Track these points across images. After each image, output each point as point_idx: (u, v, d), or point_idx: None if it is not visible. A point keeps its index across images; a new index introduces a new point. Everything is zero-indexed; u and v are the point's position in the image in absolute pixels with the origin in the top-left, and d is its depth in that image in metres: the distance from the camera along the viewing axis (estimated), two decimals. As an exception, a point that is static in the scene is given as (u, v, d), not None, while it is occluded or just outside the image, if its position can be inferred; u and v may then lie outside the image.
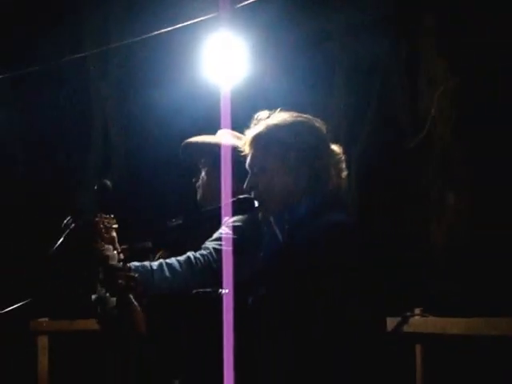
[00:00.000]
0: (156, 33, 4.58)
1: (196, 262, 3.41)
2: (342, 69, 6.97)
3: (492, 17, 6.42)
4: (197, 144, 3.77)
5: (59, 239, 3.25)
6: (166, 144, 6.94)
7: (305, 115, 3.01)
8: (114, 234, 3.05)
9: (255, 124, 3.00)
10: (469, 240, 6.38)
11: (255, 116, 3.02)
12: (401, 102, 7.10)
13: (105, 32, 7.65)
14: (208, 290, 3.06)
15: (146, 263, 3.44)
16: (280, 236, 2.90)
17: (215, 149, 3.64)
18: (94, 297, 2.81)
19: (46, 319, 5.18)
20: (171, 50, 5.95)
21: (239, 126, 3.29)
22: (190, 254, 3.50)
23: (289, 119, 2.97)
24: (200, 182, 3.79)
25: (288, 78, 5.98)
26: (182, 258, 3.51)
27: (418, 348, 4.00)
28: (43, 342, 5.15)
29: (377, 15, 7.01)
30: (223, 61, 3.98)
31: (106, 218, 3.06)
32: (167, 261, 3.47)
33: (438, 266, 6.41)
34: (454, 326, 3.95)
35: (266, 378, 2.79)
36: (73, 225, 3.45)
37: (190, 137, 3.83)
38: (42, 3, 7.93)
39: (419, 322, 3.99)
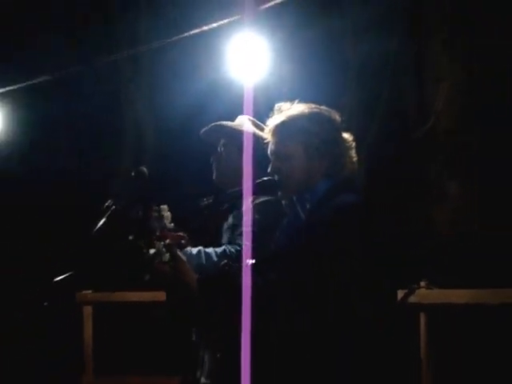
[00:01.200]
0: (185, 35, 4.59)
1: (230, 254, 3.44)
2: (355, 66, 7.05)
3: (499, 17, 6.49)
4: (216, 126, 3.74)
5: (101, 220, 3.40)
6: (192, 136, 7.01)
7: (321, 106, 3.01)
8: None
9: (277, 113, 3.01)
10: (470, 224, 6.48)
11: (276, 106, 3.03)
12: (409, 97, 7.19)
13: (136, 35, 7.73)
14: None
15: (188, 248, 3.48)
16: (302, 214, 2.94)
17: (234, 132, 3.67)
18: (152, 251, 2.82)
19: (90, 291, 5.27)
20: (197, 51, 5.94)
21: (259, 118, 3.39)
22: (226, 247, 3.53)
23: (307, 110, 2.98)
24: (216, 162, 3.76)
25: (304, 74, 6.05)
26: (219, 249, 3.53)
27: (422, 316, 3.98)
28: (88, 311, 5.26)
29: (387, 15, 6.96)
30: (246, 60, 3.94)
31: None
32: (206, 249, 3.51)
33: (441, 245, 6.41)
34: (456, 296, 3.96)
35: (281, 353, 2.77)
36: (113, 207, 3.65)
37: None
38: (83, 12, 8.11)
39: (424, 293, 3.96)
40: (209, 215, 3.81)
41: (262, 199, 3.51)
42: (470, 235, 6.37)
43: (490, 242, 6.13)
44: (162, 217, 2.87)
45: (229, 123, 3.76)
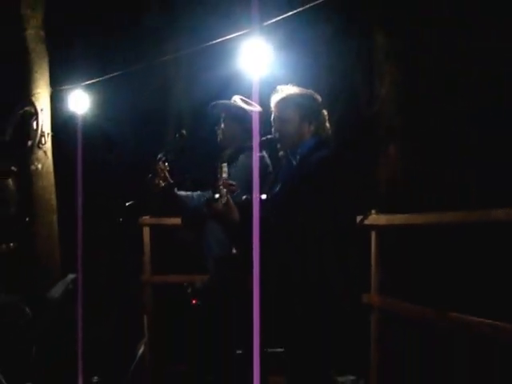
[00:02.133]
0: (211, 43, 4.64)
1: None
2: (326, 67, 6.99)
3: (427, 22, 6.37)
4: (217, 103, 3.71)
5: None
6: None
7: (309, 89, 3.09)
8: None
9: (278, 92, 3.06)
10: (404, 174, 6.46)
11: (278, 87, 3.07)
12: (361, 89, 7.14)
13: (178, 42, 7.59)
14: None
15: (189, 193, 3.66)
16: (294, 162, 2.98)
17: (229, 106, 3.66)
18: (217, 195, 2.81)
19: (148, 217, 5.23)
20: (220, 54, 5.88)
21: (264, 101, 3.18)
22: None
23: (299, 90, 3.06)
24: (220, 129, 3.74)
25: (294, 69, 5.94)
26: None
27: (373, 234, 3.96)
28: (146, 230, 5.22)
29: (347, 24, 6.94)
30: (253, 59, 3.90)
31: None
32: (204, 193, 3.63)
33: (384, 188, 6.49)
34: (396, 219, 3.94)
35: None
36: (163, 158, 3.63)
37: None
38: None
39: (375, 217, 3.94)
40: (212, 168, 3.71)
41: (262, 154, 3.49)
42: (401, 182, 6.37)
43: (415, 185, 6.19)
44: (223, 171, 2.85)
45: (226, 101, 3.73)
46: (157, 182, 3.54)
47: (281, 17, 4.36)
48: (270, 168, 3.59)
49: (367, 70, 6.95)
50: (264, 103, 3.16)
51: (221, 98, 3.84)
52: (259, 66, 3.86)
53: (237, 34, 4.20)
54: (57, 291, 4.25)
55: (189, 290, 5.25)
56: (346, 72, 7.18)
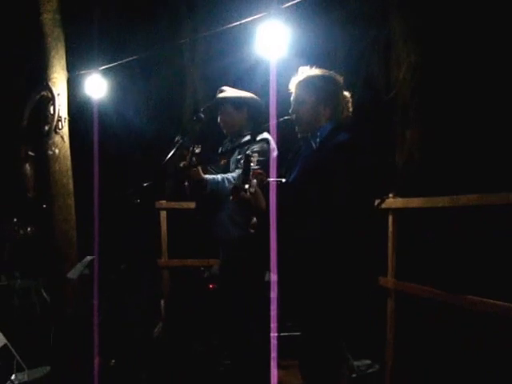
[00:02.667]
0: (228, 26, 4.49)
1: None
2: (343, 51, 6.95)
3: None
4: (216, 98, 3.88)
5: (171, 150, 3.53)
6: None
7: (330, 71, 3.06)
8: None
9: (300, 74, 3.05)
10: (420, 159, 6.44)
11: (300, 69, 3.06)
12: (379, 74, 7.06)
13: (194, 27, 7.61)
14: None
15: (215, 176, 3.73)
16: (314, 145, 2.95)
17: (226, 99, 3.84)
18: (247, 186, 2.84)
19: (165, 201, 5.26)
20: (237, 38, 5.83)
21: (281, 84, 3.18)
22: (236, 173, 3.71)
23: (320, 72, 3.03)
24: (220, 122, 3.93)
25: (311, 53, 5.88)
26: (231, 174, 3.74)
27: (390, 217, 3.99)
28: (163, 214, 5.23)
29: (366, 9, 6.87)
30: (271, 42, 3.84)
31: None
32: (226, 176, 3.72)
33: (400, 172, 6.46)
34: (412, 202, 3.96)
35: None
36: (180, 141, 3.65)
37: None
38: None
39: (392, 201, 3.98)
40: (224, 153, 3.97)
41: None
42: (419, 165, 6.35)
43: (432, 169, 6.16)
44: (251, 161, 2.86)
45: (222, 94, 3.90)
46: (182, 165, 3.58)
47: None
48: (276, 152, 3.63)
49: (384, 54, 6.89)
50: (281, 85, 3.18)
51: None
52: (277, 49, 3.91)
53: (255, 16, 4.07)
54: (75, 273, 4.28)
55: (206, 275, 5.28)
56: (362, 56, 7.11)
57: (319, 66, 3.14)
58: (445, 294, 3.40)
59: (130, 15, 7.70)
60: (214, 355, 4.73)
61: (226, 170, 3.88)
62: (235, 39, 5.87)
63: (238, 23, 4.48)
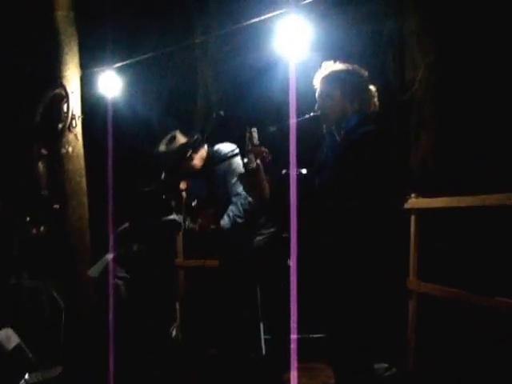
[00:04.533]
0: (247, 23, 4.44)
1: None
2: (358, 50, 6.89)
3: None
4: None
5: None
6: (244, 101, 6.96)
7: (354, 65, 3.03)
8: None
9: (324, 69, 3.03)
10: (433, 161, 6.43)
11: (323, 64, 3.03)
12: (394, 74, 7.06)
13: (206, 26, 7.60)
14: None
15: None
16: (338, 138, 2.92)
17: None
18: (245, 160, 2.78)
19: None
20: (251, 37, 5.82)
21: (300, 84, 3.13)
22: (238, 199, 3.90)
23: (344, 66, 3.00)
24: None
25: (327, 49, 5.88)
26: (232, 209, 3.92)
27: (412, 217, 3.95)
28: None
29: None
30: (291, 39, 3.78)
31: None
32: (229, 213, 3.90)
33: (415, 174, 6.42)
34: (435, 202, 3.94)
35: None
36: (200, 138, 3.65)
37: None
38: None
39: (414, 201, 3.94)
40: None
41: None
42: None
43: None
44: (252, 136, 2.77)
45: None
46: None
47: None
48: None
49: (399, 54, 6.90)
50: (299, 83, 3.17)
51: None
52: (296, 46, 3.87)
53: (269, 15, 4.09)
54: (95, 271, 4.27)
55: (220, 275, 5.25)
56: (376, 56, 7.10)
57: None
58: (470, 295, 3.36)
59: (143, 12, 7.68)
60: (228, 355, 4.71)
61: None
62: (251, 36, 5.83)
63: (255, 20, 4.46)
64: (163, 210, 3.92)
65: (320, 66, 3.05)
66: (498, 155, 6.19)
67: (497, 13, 6.16)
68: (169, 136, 4.15)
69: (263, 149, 2.83)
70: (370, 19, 6.84)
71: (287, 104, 2.97)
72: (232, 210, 3.92)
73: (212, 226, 3.92)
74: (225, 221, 3.91)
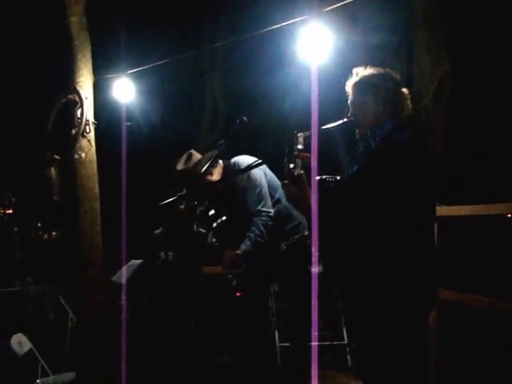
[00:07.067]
0: (266, 29, 4.37)
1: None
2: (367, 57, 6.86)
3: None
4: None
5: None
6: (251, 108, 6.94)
7: (386, 69, 2.95)
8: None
9: (355, 75, 2.95)
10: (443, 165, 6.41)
11: (354, 70, 2.95)
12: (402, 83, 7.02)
13: (214, 34, 7.59)
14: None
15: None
16: (373, 144, 2.85)
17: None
18: (292, 165, 2.72)
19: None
20: (266, 44, 5.79)
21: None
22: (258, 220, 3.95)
23: (376, 71, 2.92)
24: None
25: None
26: (254, 230, 3.98)
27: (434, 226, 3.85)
28: None
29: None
30: (313, 46, 3.80)
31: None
32: (250, 235, 3.97)
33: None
34: (457, 210, 3.88)
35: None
36: (224, 144, 3.62)
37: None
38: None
39: (437, 209, 3.85)
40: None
41: None
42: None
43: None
44: (298, 141, 2.76)
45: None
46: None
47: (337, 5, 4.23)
48: None
49: (407, 64, 6.77)
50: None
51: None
52: (317, 53, 3.83)
53: (294, 20, 4.03)
54: (119, 277, 4.23)
55: (234, 283, 5.21)
56: (384, 65, 7.05)
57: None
58: (491, 302, 3.33)
59: (156, 19, 7.68)
60: (242, 362, 4.68)
61: None
62: (263, 44, 5.82)
63: (273, 27, 4.43)
64: (193, 223, 3.93)
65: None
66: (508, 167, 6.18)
67: (506, 25, 6.17)
68: (185, 155, 4.24)
69: (307, 154, 2.77)
70: (378, 30, 6.80)
71: (306, 111, 3.00)
72: (253, 230, 3.97)
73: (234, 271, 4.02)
74: (246, 244, 3.96)
